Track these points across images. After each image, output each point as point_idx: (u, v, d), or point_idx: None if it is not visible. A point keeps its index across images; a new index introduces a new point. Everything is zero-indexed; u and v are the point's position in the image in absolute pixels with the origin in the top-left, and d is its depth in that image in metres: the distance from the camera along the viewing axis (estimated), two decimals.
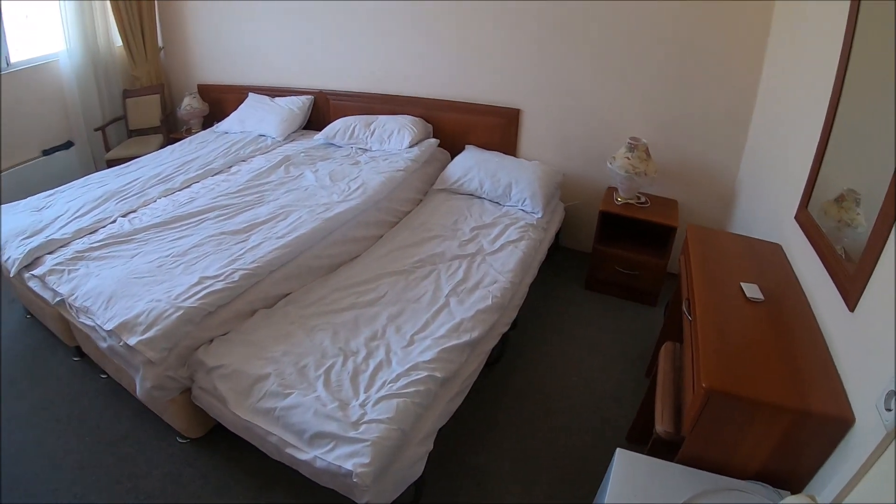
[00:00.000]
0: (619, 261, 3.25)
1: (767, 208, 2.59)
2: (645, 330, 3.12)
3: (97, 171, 4.31)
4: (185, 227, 2.59)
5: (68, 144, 4.25)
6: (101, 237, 2.59)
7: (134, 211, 2.89)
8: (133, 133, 4.53)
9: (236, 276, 2.12)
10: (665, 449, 1.70)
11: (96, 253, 2.43)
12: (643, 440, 2.36)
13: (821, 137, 1.92)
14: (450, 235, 2.82)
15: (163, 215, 2.73)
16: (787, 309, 1.75)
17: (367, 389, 1.81)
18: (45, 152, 4.11)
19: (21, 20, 4.02)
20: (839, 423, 1.32)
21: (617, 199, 3.27)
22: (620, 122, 3.40)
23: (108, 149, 4.27)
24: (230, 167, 3.45)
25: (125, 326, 1.94)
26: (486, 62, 3.59)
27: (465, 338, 2.07)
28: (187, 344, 1.98)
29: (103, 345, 2.07)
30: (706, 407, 1.39)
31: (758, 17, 2.92)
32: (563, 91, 3.47)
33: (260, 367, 1.88)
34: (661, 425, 1.73)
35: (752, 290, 1.81)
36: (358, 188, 2.98)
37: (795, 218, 2.04)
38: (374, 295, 2.29)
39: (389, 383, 1.82)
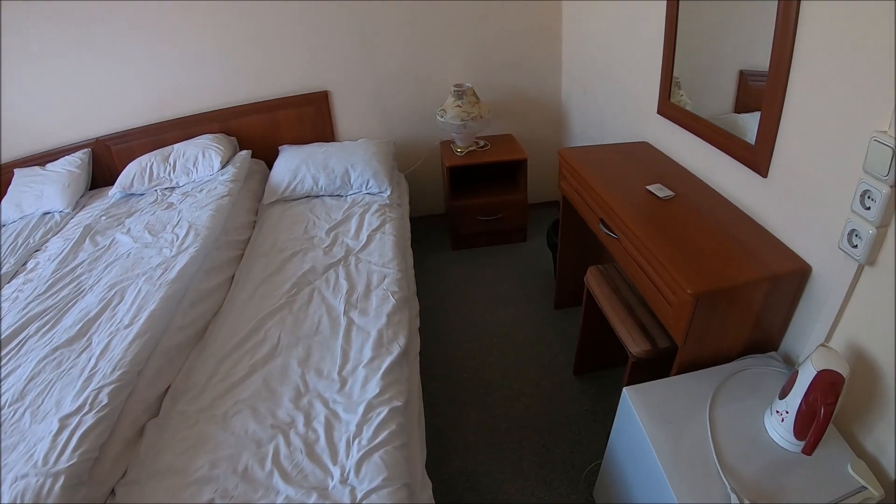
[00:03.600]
0: (479, 210, 3.25)
1: (614, 113, 2.71)
2: (530, 266, 3.18)
3: None
4: (6, 362, 2.06)
5: None
6: None
7: None
8: None
9: (103, 397, 1.67)
10: (645, 368, 1.77)
11: None
12: (593, 369, 2.50)
13: (666, 37, 2.07)
14: (308, 246, 2.58)
15: None
16: (697, 197, 1.88)
17: (336, 461, 1.52)
18: None
19: None
20: (801, 275, 1.49)
21: (457, 151, 3.25)
22: (435, 74, 3.34)
23: None
24: (25, 264, 2.86)
25: None
26: (274, 50, 3.29)
27: (395, 349, 1.89)
28: None
29: None
30: (696, 311, 1.44)
31: None
32: (367, 59, 3.31)
33: (194, 495, 1.46)
34: (637, 346, 1.77)
35: (660, 190, 1.89)
36: (187, 233, 2.59)
37: (660, 112, 2.21)
38: (268, 345, 1.99)
39: (356, 439, 1.56)
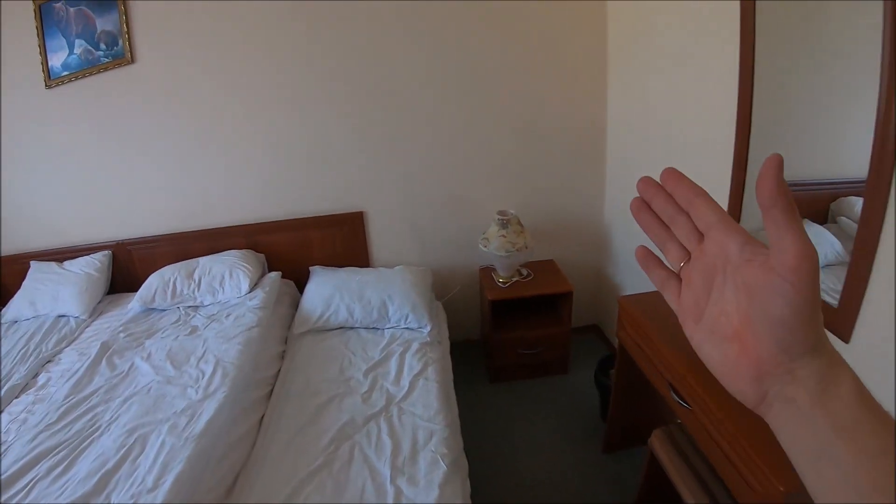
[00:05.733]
0: (520, 343, 3.12)
1: None
2: (573, 403, 3.01)
3: None
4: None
5: None
6: None
7: None
8: None
9: None
10: None
11: None
12: None
13: (737, 153, 1.93)
14: (345, 391, 2.38)
15: None
16: None
17: None
18: None
19: None
20: None
21: (499, 281, 3.14)
22: (475, 198, 3.30)
23: None
24: (35, 376, 2.68)
25: None
26: (310, 169, 3.25)
27: None
28: None
29: None
30: None
31: (595, 65, 3.06)
32: (405, 181, 3.26)
33: None
34: None
35: None
36: (214, 370, 2.39)
37: None
38: None
39: None
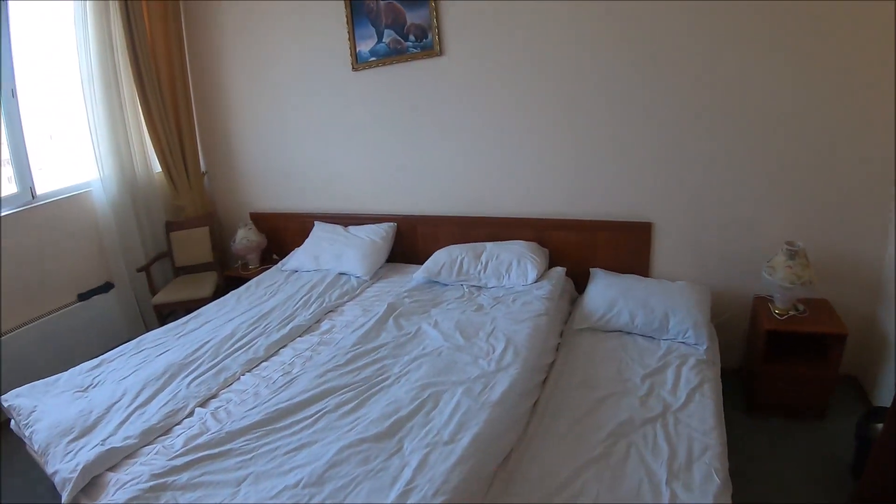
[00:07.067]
0: (785, 379, 2.78)
1: None
2: (826, 453, 2.67)
3: (142, 316, 3.72)
4: (300, 429, 1.89)
5: (107, 287, 3.61)
6: (180, 445, 1.91)
7: (214, 396, 2.24)
8: (180, 271, 3.92)
9: None
10: None
11: (184, 478, 1.71)
12: None
13: None
14: (621, 390, 2.21)
15: (259, 406, 2.03)
16: None
17: None
18: (82, 296, 3.47)
19: (44, 141, 3.49)
20: None
21: (775, 312, 2.78)
22: (760, 224, 2.98)
23: (153, 291, 3.66)
24: (319, 322, 2.80)
25: None
26: (604, 173, 3.12)
27: None
28: None
29: None
30: None
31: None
32: (695, 198, 3.03)
33: None
34: None
35: None
36: (506, 348, 2.32)
37: None
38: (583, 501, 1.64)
39: None
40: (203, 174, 4.17)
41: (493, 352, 2.32)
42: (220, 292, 3.51)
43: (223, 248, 4.22)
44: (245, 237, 3.82)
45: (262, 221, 4.04)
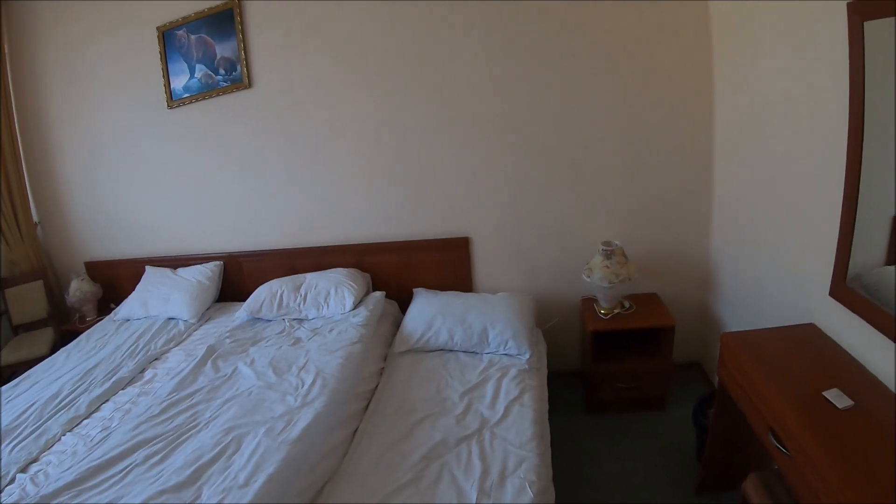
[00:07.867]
0: (620, 376, 2.96)
1: (772, 283, 2.40)
2: (669, 441, 2.85)
3: None
4: (109, 486, 1.89)
5: None
6: None
7: (35, 460, 2.18)
8: (20, 329, 3.72)
9: None
10: None
11: None
12: None
13: (845, 204, 1.75)
14: (439, 411, 2.30)
15: (74, 467, 2.01)
16: (882, 409, 1.55)
17: None
18: None
19: None
20: None
21: (601, 312, 3.01)
22: (580, 228, 3.19)
23: None
24: (143, 371, 2.78)
25: None
26: (417, 194, 3.27)
27: None
28: None
29: None
30: None
31: (702, 95, 2.89)
32: (512, 209, 3.21)
33: None
34: None
35: (838, 398, 1.59)
36: (314, 381, 2.39)
37: (831, 295, 1.86)
38: None
39: None
40: (36, 224, 3.95)
41: (302, 386, 2.38)
42: (57, 348, 3.33)
43: (60, 300, 4.01)
44: (79, 289, 3.67)
45: (98, 270, 3.89)
